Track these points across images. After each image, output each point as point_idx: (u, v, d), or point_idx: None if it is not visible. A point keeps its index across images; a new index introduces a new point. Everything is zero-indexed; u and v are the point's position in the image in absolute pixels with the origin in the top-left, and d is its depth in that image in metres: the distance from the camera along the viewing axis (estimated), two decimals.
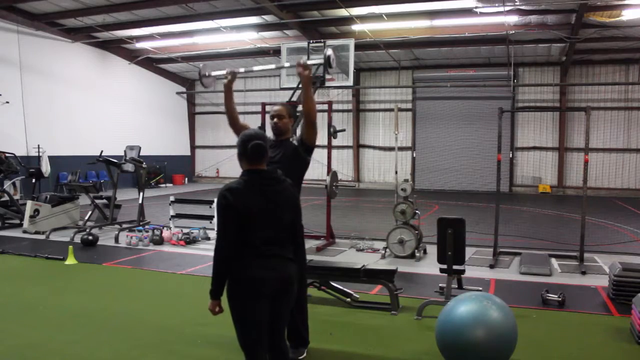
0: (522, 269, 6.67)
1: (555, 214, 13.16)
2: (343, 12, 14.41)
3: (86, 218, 10.02)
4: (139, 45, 18.79)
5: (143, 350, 4.11)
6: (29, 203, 9.43)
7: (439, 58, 19.14)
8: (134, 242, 8.34)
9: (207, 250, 8.04)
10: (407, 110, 20.58)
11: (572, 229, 9.66)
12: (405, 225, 7.51)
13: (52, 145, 16.14)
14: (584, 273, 6.60)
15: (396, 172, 8.21)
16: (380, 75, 21.07)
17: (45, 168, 15.16)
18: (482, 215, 12.40)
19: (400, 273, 5.75)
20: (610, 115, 18.35)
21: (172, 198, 9.66)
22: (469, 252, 7.06)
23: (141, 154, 10.83)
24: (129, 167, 9.86)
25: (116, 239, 8.58)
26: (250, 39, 17.51)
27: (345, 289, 5.30)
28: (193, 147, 24.42)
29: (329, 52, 4.27)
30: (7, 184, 11.90)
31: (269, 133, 3.65)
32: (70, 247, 7.30)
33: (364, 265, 5.34)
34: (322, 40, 9.93)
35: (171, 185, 21.80)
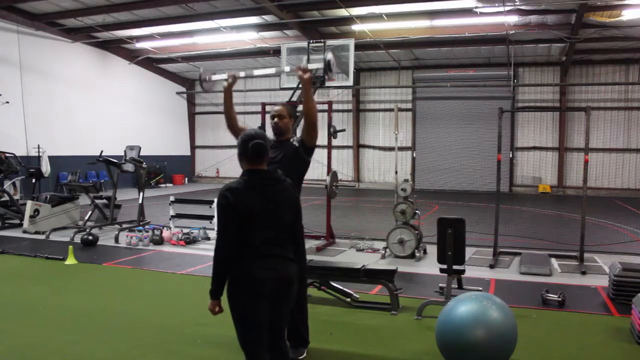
0: (522, 269, 6.67)
1: (555, 214, 13.16)
2: (343, 12, 14.41)
3: (86, 218, 10.02)
4: (139, 45, 18.79)
5: (143, 350, 4.11)
6: (29, 203, 9.43)
7: (439, 58, 19.14)
8: (134, 242, 8.34)
9: (207, 250, 8.04)
10: (407, 110, 20.58)
11: (572, 229, 9.66)
12: (405, 225, 7.51)
13: (52, 145, 16.15)
14: (584, 273, 6.60)
15: (396, 172, 8.21)
16: (380, 75, 21.07)
17: (45, 168, 15.16)
18: (482, 215, 12.40)
19: (400, 273, 5.75)
20: (610, 115, 18.35)
21: (172, 198, 9.66)
22: (469, 252, 7.06)
23: (141, 154, 10.83)
24: (129, 167, 9.86)
25: (116, 239, 8.58)
26: (250, 39, 17.51)
27: (345, 289, 5.30)
28: (193, 147, 24.42)
29: (329, 56, 4.27)
30: (7, 184, 11.90)
31: (269, 133, 3.65)
32: (70, 247, 7.30)
33: (364, 265, 5.34)
34: (322, 40, 9.93)
35: (171, 185, 21.80)
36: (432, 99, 20.24)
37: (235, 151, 2.97)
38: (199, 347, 4.17)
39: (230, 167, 22.32)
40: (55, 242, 8.56)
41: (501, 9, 13.47)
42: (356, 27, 15.59)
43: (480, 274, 6.56)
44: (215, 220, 8.70)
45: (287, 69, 4.08)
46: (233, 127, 3.87)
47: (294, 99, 9.18)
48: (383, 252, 7.66)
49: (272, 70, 4.16)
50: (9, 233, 9.46)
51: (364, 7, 14.34)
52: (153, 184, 20.37)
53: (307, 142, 3.87)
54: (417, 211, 7.60)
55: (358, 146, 21.39)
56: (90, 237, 8.32)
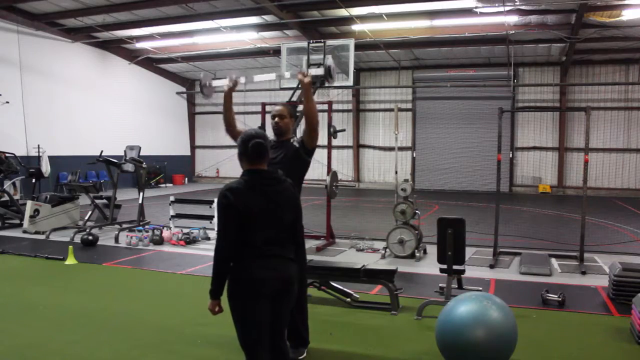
0: (522, 269, 6.67)
1: (555, 214, 13.16)
2: (343, 12, 14.41)
3: (86, 218, 10.02)
4: (139, 45, 18.79)
5: (143, 350, 4.11)
6: (29, 203, 9.43)
7: (439, 58, 19.14)
8: (134, 242, 8.34)
9: (207, 250, 8.04)
10: (407, 110, 20.58)
11: (572, 229, 9.66)
12: (405, 225, 7.51)
13: (52, 145, 16.14)
14: (584, 273, 6.60)
15: (396, 172, 8.21)
16: (380, 75, 21.07)
17: (45, 168, 15.16)
18: (482, 215, 12.40)
19: (400, 273, 5.75)
20: (610, 115, 18.35)
21: (172, 198, 9.66)
22: (469, 252, 7.06)
23: (141, 154, 10.82)
24: (129, 167, 9.86)
25: (116, 239, 8.58)
26: (250, 39, 17.51)
27: (345, 289, 5.30)
28: (193, 147, 24.42)
29: (329, 62, 4.28)
30: (7, 184, 11.90)
31: (270, 133, 3.66)
32: (70, 247, 7.30)
33: (364, 265, 5.34)
34: (322, 40, 9.92)
35: (171, 185, 21.80)
36: (432, 99, 20.24)
37: (235, 151, 2.97)
38: (199, 347, 4.17)
39: (230, 167, 22.32)
40: (55, 242, 8.56)
41: (501, 9, 13.47)
42: (356, 27, 15.59)
43: (480, 274, 6.56)
44: (215, 220, 8.70)
45: (287, 74, 4.08)
46: (232, 131, 3.85)
47: (294, 98, 9.18)
48: (383, 252, 7.66)
49: (272, 76, 4.15)
50: (9, 233, 9.46)
51: (364, 7, 14.34)
52: (153, 184, 20.37)
53: (308, 144, 3.88)
54: (417, 211, 7.60)
55: (358, 146, 21.40)
56: (90, 237, 8.32)
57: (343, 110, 21.44)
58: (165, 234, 8.63)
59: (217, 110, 22.91)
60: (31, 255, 7.48)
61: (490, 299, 3.64)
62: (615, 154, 18.32)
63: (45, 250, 7.82)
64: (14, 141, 14.73)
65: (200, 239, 8.79)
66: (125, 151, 10.90)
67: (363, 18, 14.94)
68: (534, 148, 19.35)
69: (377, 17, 14.83)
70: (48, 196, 9.85)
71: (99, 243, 8.39)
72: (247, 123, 18.45)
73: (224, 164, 22.88)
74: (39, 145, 15.75)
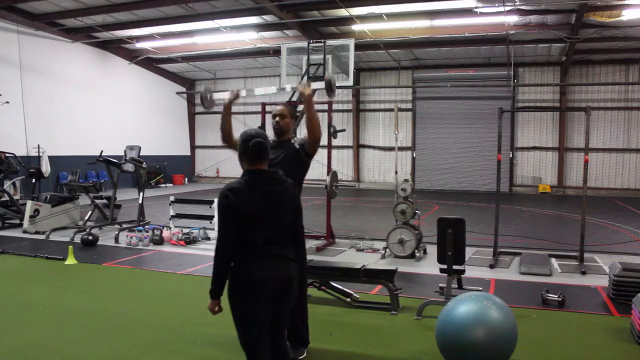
0: (522, 269, 6.67)
1: (555, 214, 13.16)
2: (343, 12, 14.41)
3: (86, 218, 10.02)
4: (139, 45, 18.79)
5: (143, 350, 4.11)
6: (29, 203, 9.43)
7: (439, 58, 19.14)
8: (134, 242, 8.34)
9: (207, 250, 8.04)
10: (407, 110, 20.58)
11: (572, 229, 9.65)
12: (405, 225, 7.51)
13: (52, 145, 16.15)
14: (584, 273, 6.60)
15: (396, 172, 8.21)
16: (380, 75, 21.07)
17: (45, 168, 15.16)
18: (482, 215, 12.40)
19: (400, 273, 5.75)
20: (610, 115, 18.35)
21: (172, 198, 9.66)
22: (469, 252, 7.06)
23: (141, 154, 10.82)
24: (129, 167, 9.86)
25: (116, 239, 8.58)
26: (250, 39, 17.51)
27: (345, 289, 5.30)
28: (193, 147, 24.42)
29: (330, 75, 4.28)
30: (7, 184, 11.90)
31: (270, 133, 3.66)
32: (70, 247, 7.30)
33: (364, 265, 5.34)
34: (322, 40, 9.93)
35: (171, 185, 21.80)
36: (432, 99, 20.24)
37: (235, 151, 2.97)
38: (199, 347, 4.17)
39: (230, 167, 22.31)
40: (55, 242, 8.56)
41: (501, 9, 13.47)
42: (356, 27, 15.59)
43: (480, 274, 6.56)
44: (215, 220, 8.71)
45: (288, 87, 4.10)
46: (229, 141, 3.81)
47: (294, 99, 9.18)
48: (383, 252, 7.66)
49: (273, 90, 4.16)
50: (9, 233, 9.46)
51: (364, 7, 14.34)
52: (153, 184, 20.37)
53: (309, 150, 3.89)
54: (417, 211, 7.60)
55: (358, 146, 21.39)
56: (90, 237, 8.32)
57: (343, 110, 21.44)
58: (165, 234, 8.63)
59: (217, 110, 22.86)
60: (31, 255, 7.48)
61: (490, 299, 3.64)
62: (615, 154, 18.32)
63: (45, 250, 7.82)
64: (14, 141, 14.73)
65: (200, 239, 8.79)
66: (125, 151, 10.91)
67: (363, 18, 14.94)
68: (534, 148, 19.35)
69: (377, 17, 14.83)
70: (48, 196, 9.85)
71: (99, 243, 8.39)
72: (247, 123, 18.46)
73: (224, 164, 22.87)
74: (39, 145, 15.75)
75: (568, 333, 4.55)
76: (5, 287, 5.92)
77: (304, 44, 9.99)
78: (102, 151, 9.99)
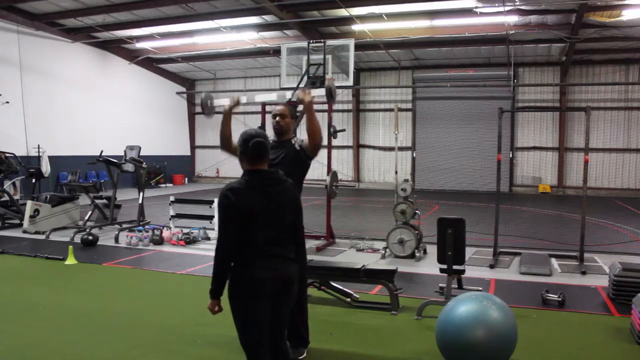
0: (522, 269, 6.67)
1: (555, 214, 13.16)
2: (343, 12, 14.41)
3: (86, 218, 10.02)
4: (139, 45, 18.79)
5: (143, 350, 4.11)
6: (29, 203, 9.43)
7: (439, 58, 19.14)
8: (134, 242, 8.34)
9: (207, 250, 8.04)
10: (407, 110, 20.58)
11: (572, 229, 9.65)
12: (405, 225, 7.51)
13: (52, 145, 16.14)
14: (584, 273, 6.60)
15: (396, 172, 8.21)
16: (380, 75, 21.07)
17: (45, 168, 15.16)
18: (482, 215, 12.40)
19: (400, 273, 5.75)
20: (610, 115, 18.35)
21: (172, 198, 9.66)
22: (469, 252, 7.06)
23: (141, 154, 10.82)
24: (129, 167, 9.86)
25: (116, 239, 8.58)
26: (250, 39, 17.51)
27: (345, 289, 5.30)
28: (193, 147, 24.42)
29: (330, 83, 4.28)
30: (7, 184, 11.90)
31: (270, 133, 3.65)
32: (70, 247, 7.30)
33: (364, 265, 5.34)
34: (322, 40, 9.92)
35: (171, 185, 21.80)
36: (432, 99, 20.24)
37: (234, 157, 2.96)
38: (199, 347, 4.17)
39: (230, 167, 22.30)
40: (55, 242, 8.56)
41: (501, 9, 13.47)
42: (356, 27, 15.59)
43: (480, 274, 6.56)
44: (215, 220, 8.71)
45: (288, 95, 4.10)
46: (228, 147, 3.80)
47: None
48: (383, 252, 7.66)
49: (274, 97, 4.16)
50: (9, 233, 9.46)
51: (364, 7, 14.34)
52: (153, 184, 20.37)
53: (309, 153, 3.89)
54: (417, 211, 7.60)
55: (358, 146, 21.39)
56: (90, 237, 8.32)
57: (343, 110, 21.44)
58: (165, 234, 8.63)
59: (217, 110, 22.90)
60: (31, 255, 7.48)
61: (490, 299, 3.64)
62: (615, 154, 18.32)
63: (45, 250, 7.82)
64: (14, 141, 14.73)
65: (200, 239, 8.79)
66: (125, 151, 10.90)
67: (363, 18, 14.94)
68: (534, 148, 19.35)
69: (377, 17, 14.83)
70: (48, 196, 9.85)
71: (99, 243, 8.39)
72: (247, 123, 18.46)
73: (224, 164, 22.87)
74: (39, 145, 15.75)
75: (568, 333, 4.55)
76: (5, 287, 5.92)
77: (304, 44, 9.98)
78: (102, 151, 9.99)
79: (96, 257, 7.47)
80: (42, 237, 8.98)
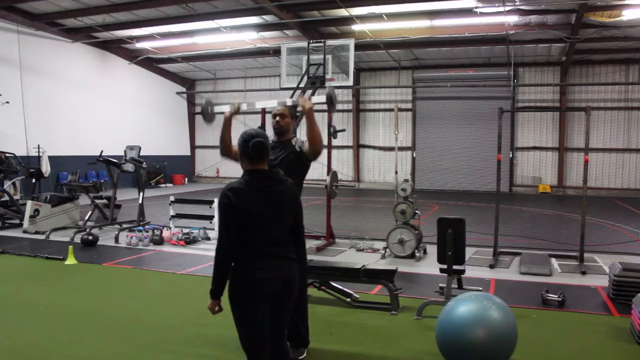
0: (522, 269, 6.67)
1: (555, 214, 13.16)
2: (343, 12, 14.41)
3: (86, 218, 10.02)
4: (139, 45, 18.79)
5: (143, 350, 4.11)
6: (29, 203, 9.43)
7: (439, 58, 19.14)
8: (134, 242, 8.34)
9: (207, 250, 8.04)
10: (407, 110, 20.58)
11: (572, 229, 9.65)
12: (405, 225, 7.51)
13: (52, 145, 16.14)
14: (584, 273, 6.60)
15: (396, 172, 8.21)
16: (380, 75, 21.07)
17: (45, 168, 15.16)
18: (482, 215, 12.40)
19: (400, 273, 5.75)
20: (610, 115, 18.35)
21: (172, 198, 9.66)
22: (469, 252, 7.06)
23: (141, 154, 10.82)
24: (129, 167, 9.86)
25: (116, 239, 8.58)
26: (250, 39, 17.51)
27: (345, 289, 5.30)
28: (193, 147, 24.42)
29: (330, 90, 4.28)
30: (7, 184, 11.89)
31: (270, 133, 3.65)
32: (70, 247, 7.30)
33: (364, 265, 5.34)
34: (322, 40, 9.93)
35: (171, 185, 21.80)
36: (432, 99, 20.24)
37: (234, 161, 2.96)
38: (199, 347, 4.17)
39: (230, 167, 22.28)
40: (55, 242, 8.56)
41: (501, 9, 13.47)
42: (356, 27, 15.59)
43: (480, 274, 6.56)
44: (215, 220, 8.71)
45: (289, 101, 4.11)
46: (229, 153, 3.81)
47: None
48: (383, 252, 7.66)
49: (274, 103, 4.17)
50: (9, 233, 9.46)
51: (364, 7, 14.34)
52: (153, 184, 20.37)
53: (310, 157, 3.90)
54: (417, 211, 7.60)
55: (358, 146, 21.39)
56: (90, 237, 8.32)
57: (343, 110, 21.43)
58: (165, 234, 8.63)
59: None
60: (31, 255, 7.48)
61: (490, 299, 3.64)
62: (615, 154, 18.32)
63: (45, 250, 7.82)
64: (14, 141, 14.72)
65: (200, 239, 8.79)
66: (125, 151, 10.90)
67: (363, 18, 14.94)
68: (534, 148, 19.35)
69: (377, 17, 14.83)
70: (48, 196, 9.85)
71: (99, 243, 8.38)
72: (247, 123, 18.42)
73: (224, 164, 22.86)
74: (39, 145, 15.74)
75: (568, 333, 4.55)
76: (5, 287, 5.92)
77: (304, 44, 9.99)
78: (102, 151, 9.99)
79: (96, 257, 7.47)
80: (42, 237, 8.98)
